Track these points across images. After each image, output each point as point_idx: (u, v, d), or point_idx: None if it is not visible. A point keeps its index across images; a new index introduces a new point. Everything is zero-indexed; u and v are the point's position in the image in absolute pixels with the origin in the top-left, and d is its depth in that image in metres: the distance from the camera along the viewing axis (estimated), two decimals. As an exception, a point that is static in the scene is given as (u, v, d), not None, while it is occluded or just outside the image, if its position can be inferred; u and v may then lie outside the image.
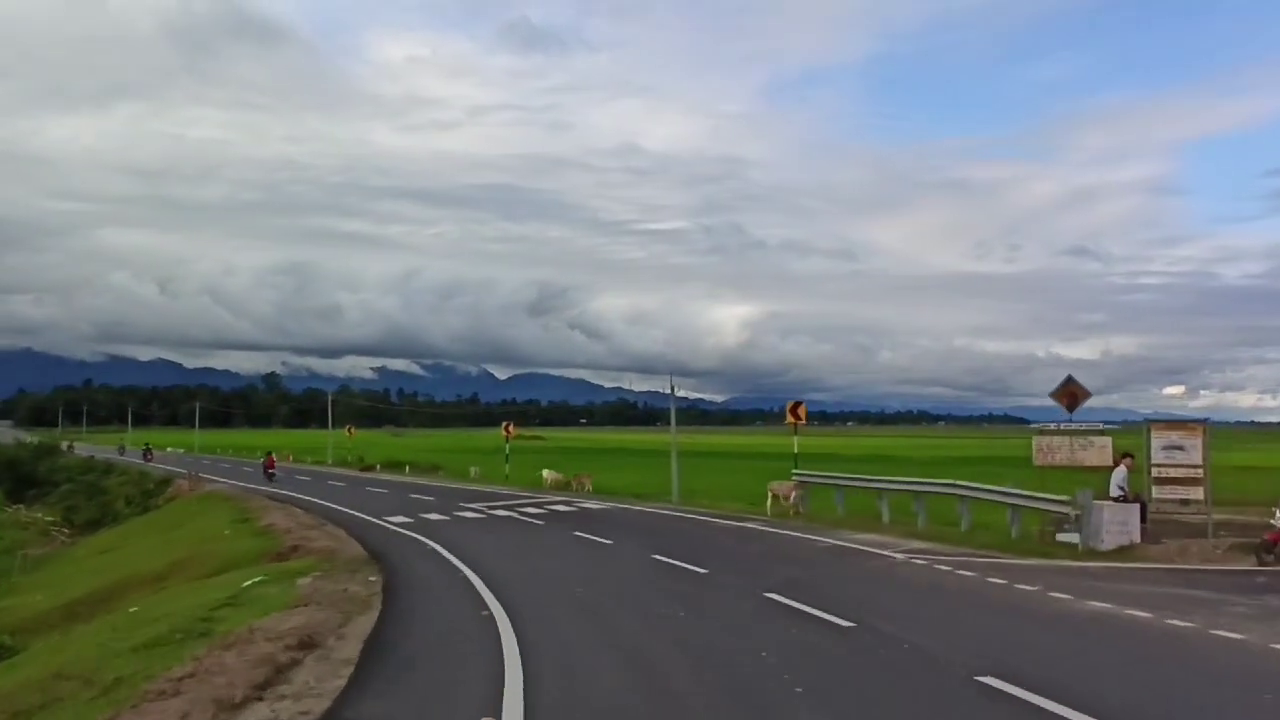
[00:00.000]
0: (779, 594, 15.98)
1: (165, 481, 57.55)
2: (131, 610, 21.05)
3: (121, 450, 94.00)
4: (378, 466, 69.44)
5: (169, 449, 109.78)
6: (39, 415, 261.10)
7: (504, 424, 57.48)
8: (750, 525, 29.13)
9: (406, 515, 34.39)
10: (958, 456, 79.54)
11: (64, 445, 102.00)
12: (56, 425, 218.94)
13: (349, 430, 78.93)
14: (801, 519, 30.54)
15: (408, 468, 66.83)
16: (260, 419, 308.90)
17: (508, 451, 57.07)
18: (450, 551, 23.71)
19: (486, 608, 15.33)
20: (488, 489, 49.07)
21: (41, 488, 65.38)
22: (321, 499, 43.83)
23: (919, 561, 20.33)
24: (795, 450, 38.96)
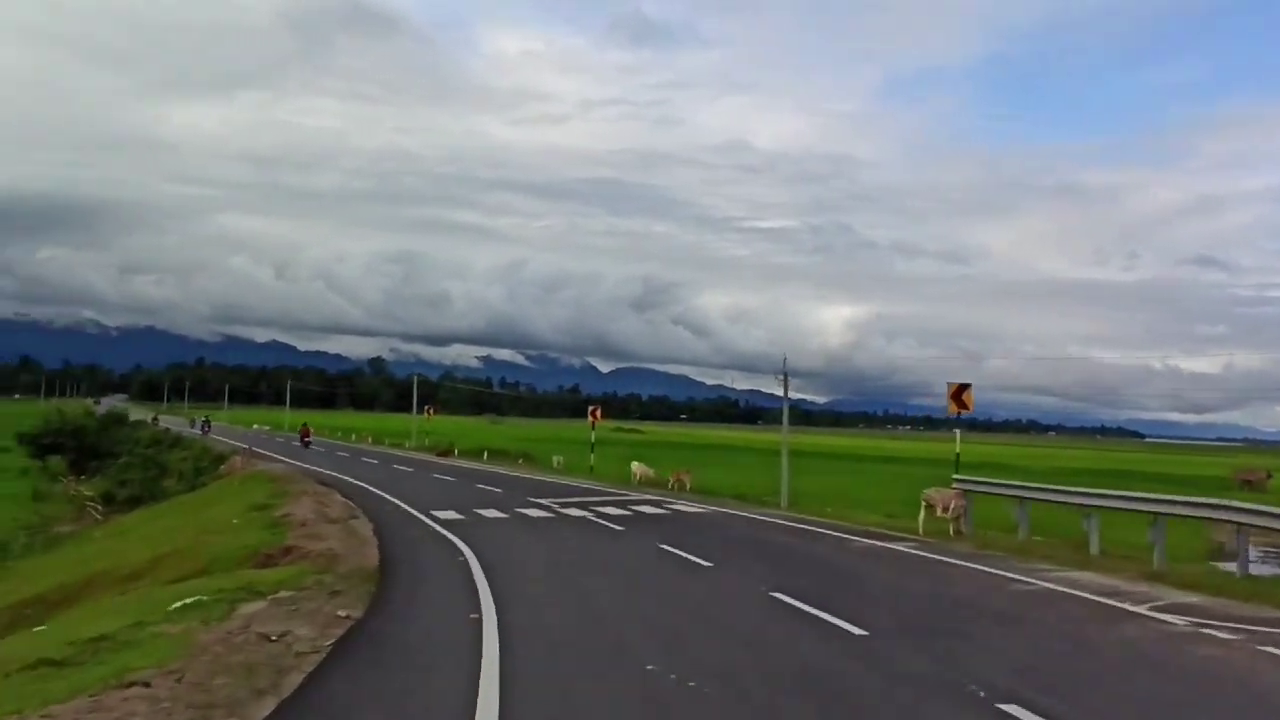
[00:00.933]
0: (1025, 709, 8.33)
1: (221, 458, 52.20)
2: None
3: (192, 424, 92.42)
4: (455, 451, 63.23)
5: (255, 425, 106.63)
6: (151, 390, 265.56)
7: (590, 409, 50.27)
8: (898, 548, 21.31)
9: (458, 510, 27.71)
10: (1081, 469, 69.50)
11: (149, 418, 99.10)
12: (166, 400, 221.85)
13: (428, 412, 73.12)
14: (967, 541, 22.56)
15: (486, 454, 60.37)
16: (364, 402, 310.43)
17: (593, 440, 50.00)
18: (485, 569, 16.86)
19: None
20: (567, 481, 42.09)
21: (104, 460, 60.85)
22: (374, 484, 37.52)
23: (1217, 634, 12.31)
24: (958, 450, 31.07)
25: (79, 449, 62.55)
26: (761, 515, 29.11)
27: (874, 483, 47.50)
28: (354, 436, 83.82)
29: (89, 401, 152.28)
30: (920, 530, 23.92)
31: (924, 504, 24.60)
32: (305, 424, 76.77)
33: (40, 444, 61.86)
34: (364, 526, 24.25)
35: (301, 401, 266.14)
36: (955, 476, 26.16)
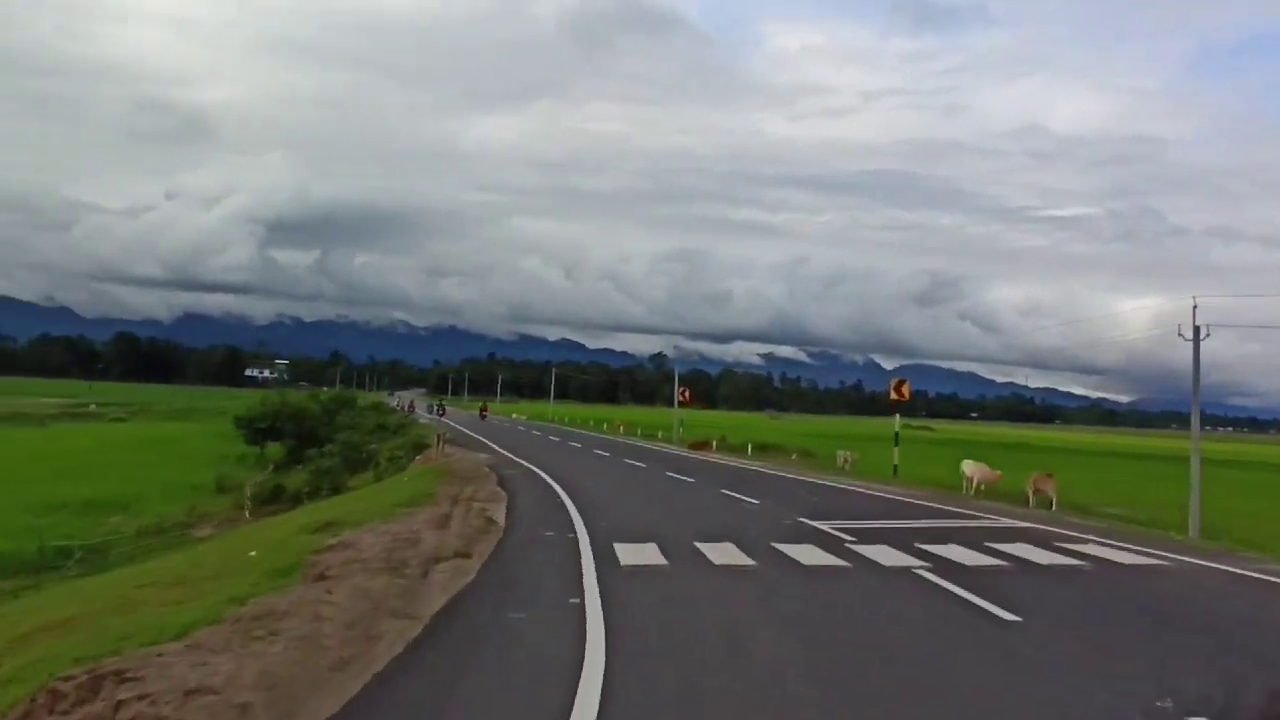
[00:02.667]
0: None
1: (423, 447, 41.70)
2: None
3: (430, 409, 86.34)
4: (712, 445, 49.99)
5: (513, 414, 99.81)
6: (444, 384, 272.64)
7: (681, 389, 35.67)
8: None
9: (666, 540, 15.26)
10: None
11: (400, 406, 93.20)
12: (465, 394, 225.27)
13: (683, 394, 60.70)
14: None
15: (750, 448, 46.70)
16: (645, 396, 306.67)
17: (897, 429, 35.13)
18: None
19: None
20: (861, 487, 27.71)
21: (324, 446, 52.56)
22: (575, 488, 25.01)
23: None
24: None
25: (299, 435, 54.81)
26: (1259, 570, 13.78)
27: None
28: (605, 427, 73.11)
29: (384, 393, 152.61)
30: None
31: None
32: (484, 404, 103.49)
33: (256, 428, 54.57)
34: (458, 580, 11.48)
35: (585, 396, 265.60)
36: None
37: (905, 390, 33.29)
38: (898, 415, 35.47)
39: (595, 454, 42.10)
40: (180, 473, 45.86)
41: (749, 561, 13.46)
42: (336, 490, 35.83)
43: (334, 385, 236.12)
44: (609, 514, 19.32)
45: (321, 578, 11.41)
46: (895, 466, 32.34)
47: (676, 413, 62.16)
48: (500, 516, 18.45)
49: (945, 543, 15.74)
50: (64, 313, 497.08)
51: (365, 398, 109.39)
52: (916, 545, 15.32)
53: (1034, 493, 24.65)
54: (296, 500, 35.58)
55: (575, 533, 16.19)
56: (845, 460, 37.18)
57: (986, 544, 15.77)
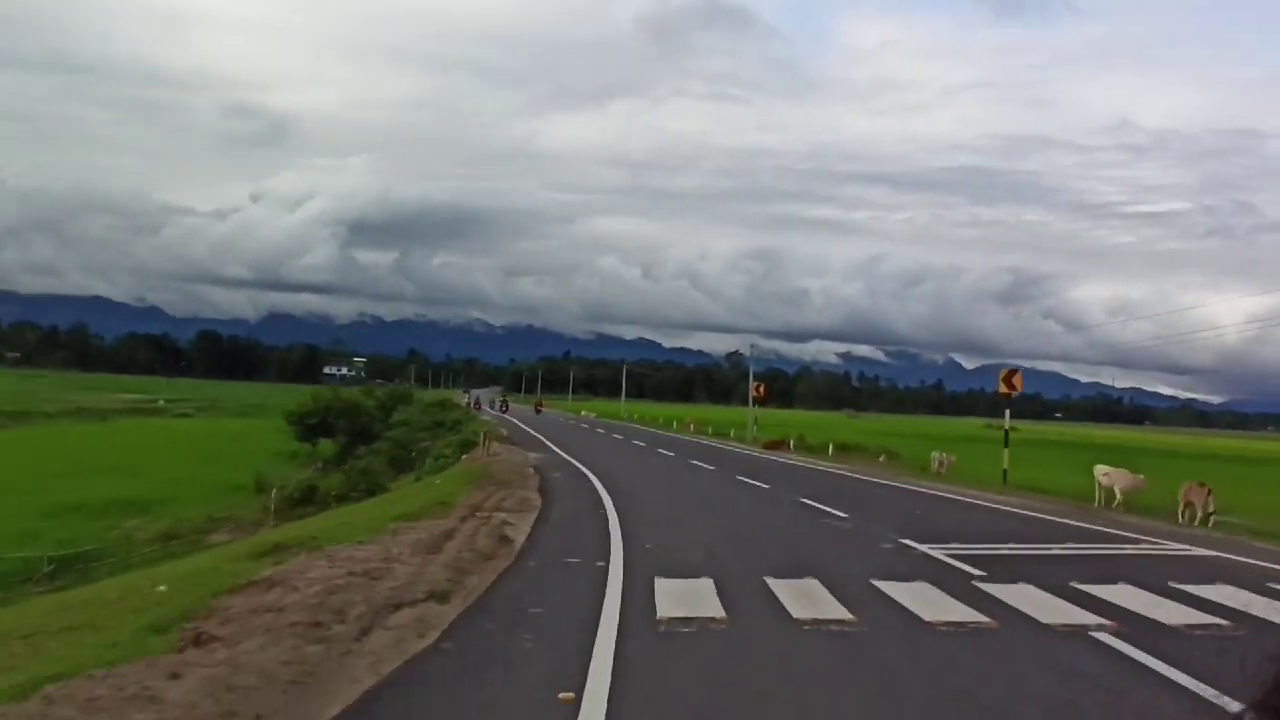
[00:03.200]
0: None
1: (472, 444, 38.04)
2: None
3: (493, 404, 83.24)
4: (789, 444, 45.42)
5: (582, 411, 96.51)
6: (519, 382, 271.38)
7: (755, 384, 30.92)
8: None
9: (731, 580, 10.73)
10: None
11: (468, 403, 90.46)
12: (537, 391, 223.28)
13: (757, 390, 56.11)
14: None
15: (830, 448, 42.08)
16: (720, 395, 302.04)
17: (1007, 427, 30.27)
18: None
19: None
20: (971, 497, 23.14)
21: (374, 442, 49.49)
22: (625, 494, 21.12)
23: None
24: None
25: (352, 432, 51.78)
26: None
27: None
28: (675, 425, 68.98)
29: (459, 391, 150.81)
30: None
31: None
32: (539, 400, 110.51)
33: (306, 424, 51.64)
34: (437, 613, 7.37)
35: (660, 394, 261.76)
36: None
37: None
38: (1008, 412, 30.58)
39: (659, 454, 38.05)
40: (224, 471, 43.02)
41: (843, 613, 9.24)
42: (372, 492, 32.38)
43: (409, 382, 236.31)
44: (659, 532, 15.24)
45: (199, 641, 7.53)
46: (1005, 471, 27.58)
47: (751, 411, 57.82)
48: (520, 533, 14.52)
49: (1112, 581, 11.31)
50: (154, 312, 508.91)
51: (434, 395, 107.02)
52: (1074, 586, 10.93)
53: (1199, 505, 19.87)
54: (329, 503, 32.22)
55: (608, 560, 12.13)
56: (941, 462, 32.52)
57: (1172, 584, 11.30)
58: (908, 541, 14.51)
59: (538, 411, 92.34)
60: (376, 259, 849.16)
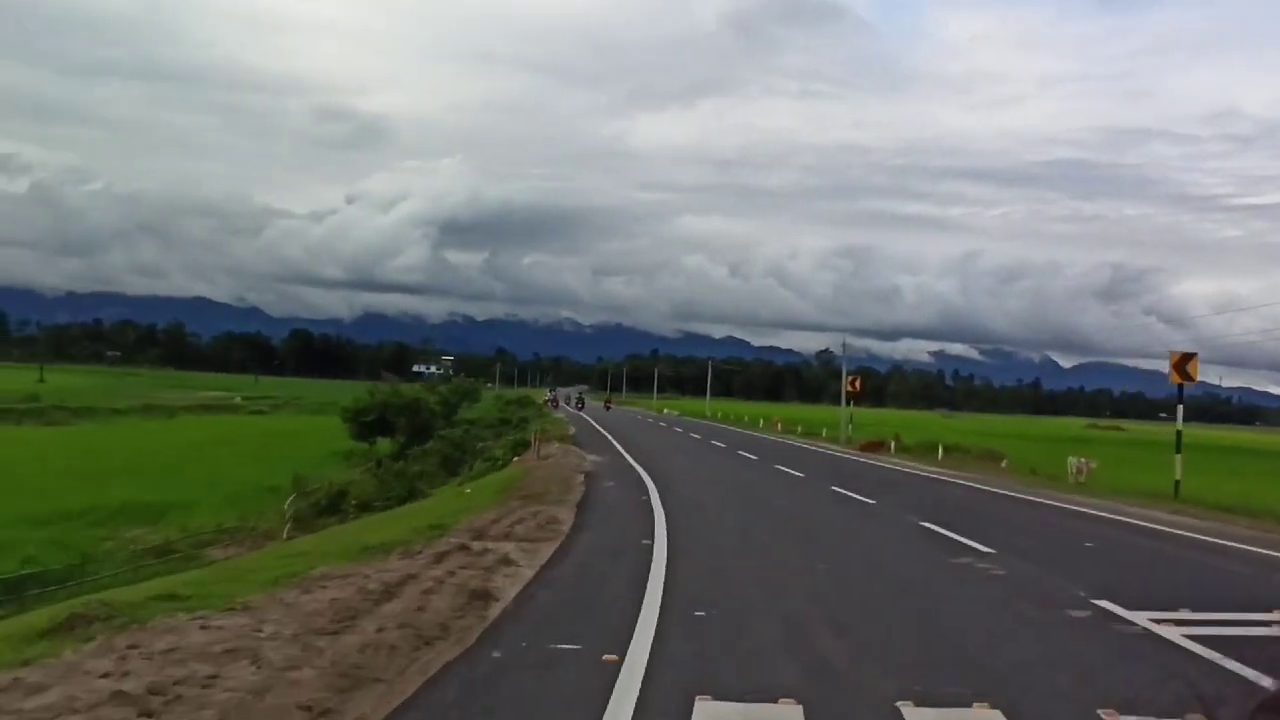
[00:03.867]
0: None
1: (524, 445, 33.35)
2: None
3: (568, 400, 79.81)
4: (890, 446, 39.52)
5: (664, 409, 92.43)
6: (605, 381, 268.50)
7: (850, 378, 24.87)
8: None
9: (839, 706, 4.85)
10: None
11: (548, 400, 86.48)
12: (621, 390, 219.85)
13: (851, 384, 50.17)
14: None
15: (941, 450, 36.17)
16: (810, 394, 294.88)
17: (1179, 427, 24.04)
18: None
19: None
20: (1146, 519, 17.45)
21: (432, 441, 45.44)
22: (686, 514, 16.19)
23: None
24: None
25: (412, 429, 47.73)
26: None
27: None
28: (762, 424, 63.46)
29: (545, 389, 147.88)
30: None
31: None
32: (609, 398, 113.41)
33: (363, 421, 47.72)
34: None
35: (749, 393, 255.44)
36: None
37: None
38: (1180, 407, 24.28)
39: (739, 457, 32.83)
40: (265, 472, 39.16)
41: None
42: (410, 497, 27.98)
43: (492, 383, 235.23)
44: (721, 582, 10.16)
45: None
46: (1178, 483, 21.62)
47: (845, 410, 52.16)
48: (513, 584, 9.63)
49: None
50: (255, 313, 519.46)
51: (515, 393, 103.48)
52: None
53: None
54: (363, 508, 27.88)
55: (625, 650, 7.08)
56: (1080, 469, 26.64)
57: None
58: (1110, 606, 9.13)
59: (606, 408, 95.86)
60: (467, 259, 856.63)
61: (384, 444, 48.78)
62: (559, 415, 60.89)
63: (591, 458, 28.16)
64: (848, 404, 50.82)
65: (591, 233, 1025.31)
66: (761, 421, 65.60)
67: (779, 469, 27.35)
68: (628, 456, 29.40)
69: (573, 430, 43.35)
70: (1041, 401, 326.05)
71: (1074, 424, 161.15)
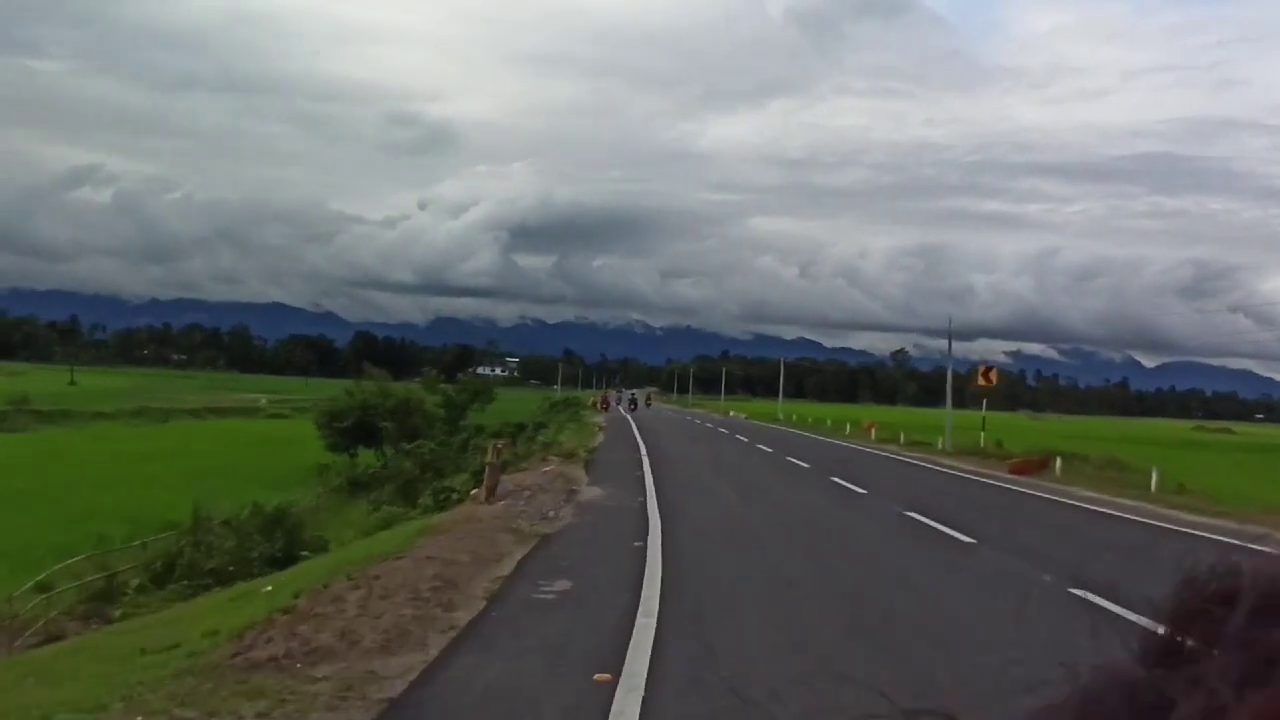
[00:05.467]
0: None
1: (527, 458, 21.50)
2: None
3: (622, 402, 70.15)
4: (1056, 467, 26.30)
5: (730, 412, 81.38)
6: (673, 382, 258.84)
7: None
8: None
9: None
10: None
11: (606, 398, 75.54)
12: (687, 392, 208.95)
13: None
14: None
15: (1156, 479, 23.03)
16: (885, 395, 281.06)
17: None
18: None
19: None
20: None
21: (393, 459, 34.01)
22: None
23: None
24: None
25: (401, 435, 36.44)
26: None
27: None
28: (849, 429, 50.70)
29: (605, 390, 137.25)
30: None
31: None
32: (649, 394, 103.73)
33: (337, 428, 36.71)
34: None
35: (822, 394, 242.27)
36: None
37: None
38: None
39: (836, 486, 20.50)
40: (171, 499, 28.10)
41: None
42: (289, 559, 16.59)
43: (558, 382, 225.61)
44: None
45: None
46: None
47: (949, 412, 39.54)
48: None
49: None
50: (329, 318, 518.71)
51: (560, 394, 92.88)
52: None
53: None
54: (218, 575, 16.59)
55: None
56: None
57: None
58: None
59: (647, 404, 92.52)
60: (537, 262, 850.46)
61: (368, 455, 37.62)
62: (596, 420, 49.05)
63: (588, 493, 16.37)
64: (980, 408, 37.72)
65: (661, 234, 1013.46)
66: (849, 426, 52.85)
67: (915, 520, 15.09)
68: (649, 485, 17.48)
69: (599, 440, 31.58)
70: (1129, 402, 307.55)
71: (1173, 426, 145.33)
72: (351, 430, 36.96)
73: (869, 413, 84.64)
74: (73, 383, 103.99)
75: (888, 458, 32.46)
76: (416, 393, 40.55)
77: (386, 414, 37.01)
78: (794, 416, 70.94)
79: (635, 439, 34.31)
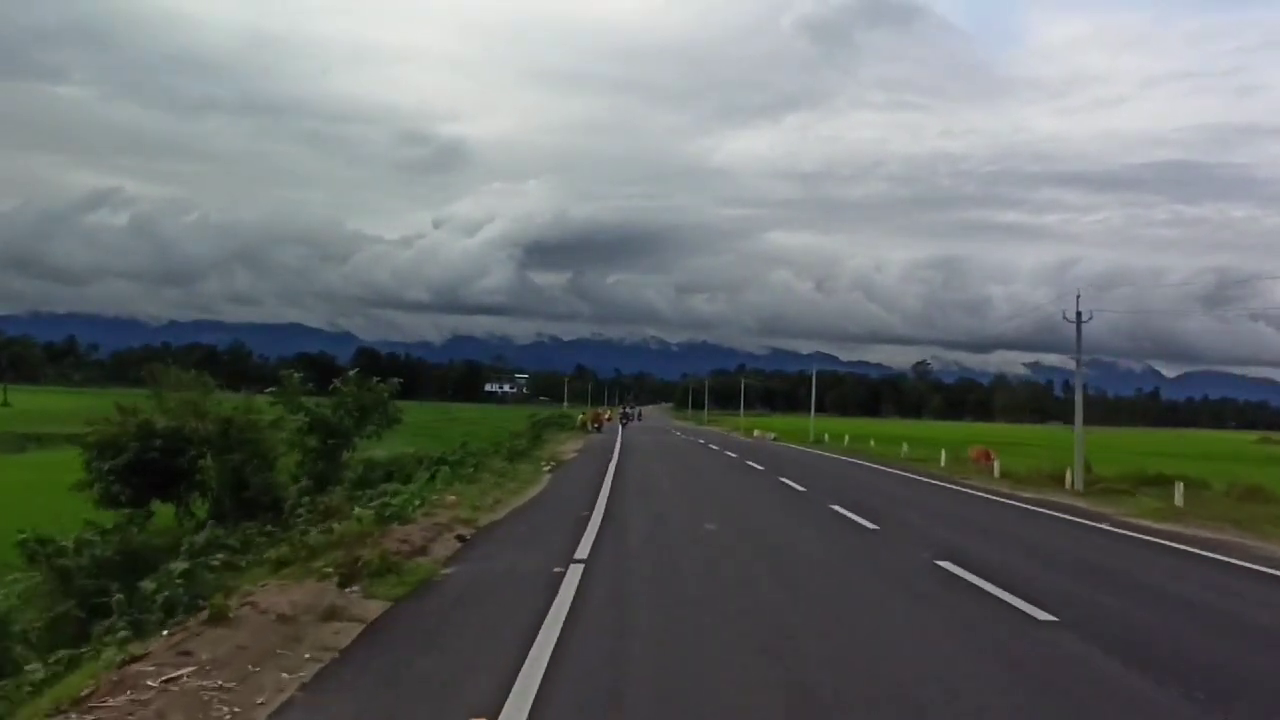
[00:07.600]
0: None
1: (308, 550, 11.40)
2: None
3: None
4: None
5: (755, 431, 72.10)
6: (688, 397, 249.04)
7: None
8: None
9: None
10: None
11: (586, 417, 65.39)
12: (703, 407, 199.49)
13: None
14: None
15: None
16: (909, 409, 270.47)
17: None
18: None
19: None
20: None
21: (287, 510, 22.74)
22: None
23: None
24: None
25: (228, 483, 25.44)
26: None
27: None
28: (872, 443, 40.44)
29: (602, 408, 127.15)
30: None
31: None
32: (641, 409, 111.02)
33: (110, 468, 25.68)
34: None
35: (842, 408, 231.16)
36: None
37: None
38: None
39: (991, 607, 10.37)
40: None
41: None
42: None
43: (561, 401, 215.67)
44: None
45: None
46: None
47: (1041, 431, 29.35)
48: None
49: None
50: (346, 337, 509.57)
51: (545, 412, 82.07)
52: None
53: None
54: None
55: None
56: None
57: None
58: None
59: (638, 418, 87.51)
60: (551, 279, 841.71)
61: (165, 513, 25.85)
62: (561, 451, 37.90)
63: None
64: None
65: (676, 250, 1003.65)
66: (944, 457, 37.71)
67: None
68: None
69: (541, 488, 21.51)
70: (1161, 413, 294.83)
71: (1229, 438, 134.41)
72: (136, 471, 25.51)
73: (905, 430, 74.11)
74: (5, 404, 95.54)
75: (1012, 503, 22.00)
76: (255, 408, 28.40)
77: (202, 443, 25.79)
78: (845, 439, 54.66)
79: (605, 482, 24.02)
